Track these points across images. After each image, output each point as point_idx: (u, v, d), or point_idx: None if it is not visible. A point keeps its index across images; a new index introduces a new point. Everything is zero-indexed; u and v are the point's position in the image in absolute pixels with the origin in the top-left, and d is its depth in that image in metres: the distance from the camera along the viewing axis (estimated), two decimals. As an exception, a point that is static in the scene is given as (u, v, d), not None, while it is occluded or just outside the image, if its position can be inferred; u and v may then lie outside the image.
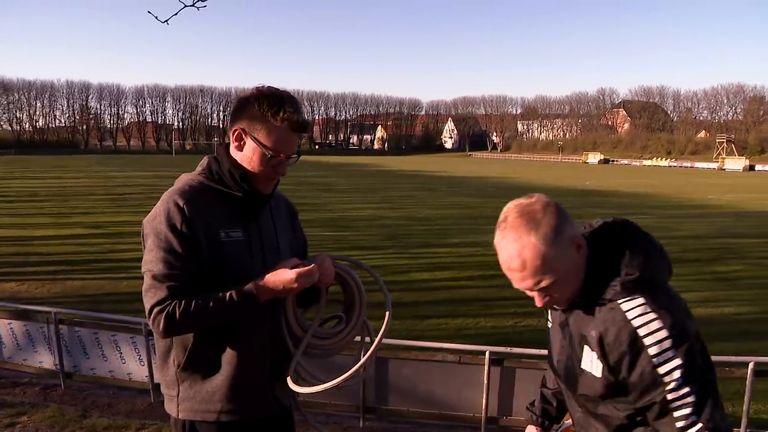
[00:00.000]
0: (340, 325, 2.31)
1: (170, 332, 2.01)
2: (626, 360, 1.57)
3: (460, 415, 5.82)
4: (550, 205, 1.62)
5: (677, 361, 1.52)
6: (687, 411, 1.52)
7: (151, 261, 2.01)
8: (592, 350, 1.66)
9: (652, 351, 1.53)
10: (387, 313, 2.25)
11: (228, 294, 2.00)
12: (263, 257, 2.18)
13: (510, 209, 1.65)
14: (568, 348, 1.77)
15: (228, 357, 2.12)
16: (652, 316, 1.55)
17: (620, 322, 1.58)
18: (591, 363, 1.68)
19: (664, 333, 1.53)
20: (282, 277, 2.04)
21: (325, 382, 2.11)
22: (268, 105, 2.07)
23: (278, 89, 2.14)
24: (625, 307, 1.59)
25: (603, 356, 1.63)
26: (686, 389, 1.52)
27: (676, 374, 1.52)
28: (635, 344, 1.55)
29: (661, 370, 1.53)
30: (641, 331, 1.55)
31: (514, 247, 1.60)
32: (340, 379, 2.09)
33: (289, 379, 2.15)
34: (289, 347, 2.21)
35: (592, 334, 1.66)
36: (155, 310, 1.98)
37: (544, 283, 1.62)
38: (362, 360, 2.15)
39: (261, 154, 2.10)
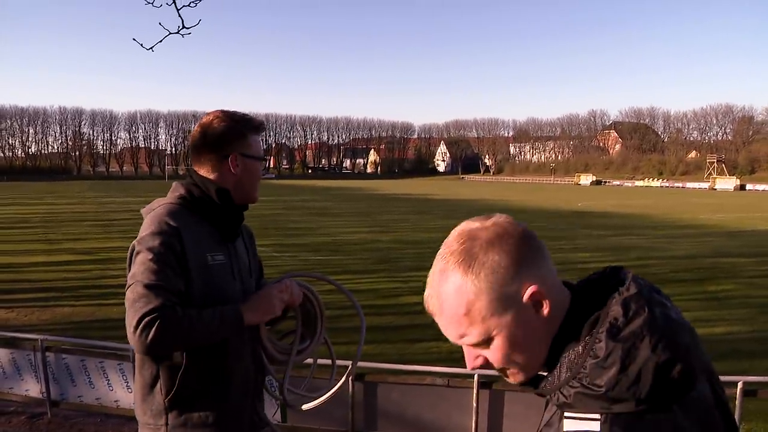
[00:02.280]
0: (304, 341, 2.42)
1: (158, 344, 1.93)
2: None
3: (450, 439, 5.78)
4: (507, 234, 1.11)
5: None
6: None
7: (143, 273, 1.99)
8: None
9: None
10: (361, 320, 2.47)
11: (217, 311, 2.04)
12: (241, 280, 2.26)
13: (454, 231, 1.16)
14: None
15: (216, 381, 2.14)
16: None
17: None
18: None
19: None
20: (264, 297, 2.17)
21: (310, 396, 2.34)
22: (245, 124, 2.26)
23: (228, 110, 2.31)
24: (568, 424, 1.05)
25: None
26: None
27: None
28: None
29: None
30: None
31: (435, 282, 1.15)
32: (331, 392, 2.31)
33: (283, 400, 2.34)
34: (270, 370, 2.32)
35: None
36: (146, 318, 1.91)
37: (467, 340, 1.14)
38: (348, 370, 2.41)
39: (258, 166, 2.30)
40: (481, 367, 1.17)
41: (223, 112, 2.25)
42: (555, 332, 1.12)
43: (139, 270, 2.00)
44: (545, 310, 1.10)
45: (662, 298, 1.09)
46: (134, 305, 1.94)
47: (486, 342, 1.12)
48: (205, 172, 2.23)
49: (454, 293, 1.11)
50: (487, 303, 1.09)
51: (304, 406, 2.34)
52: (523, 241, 1.11)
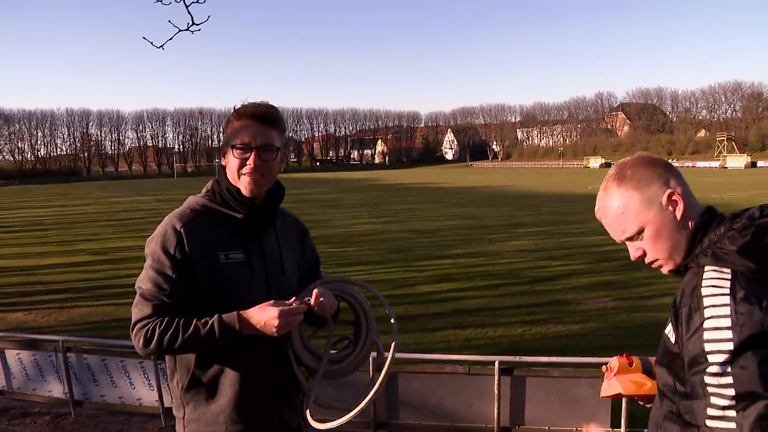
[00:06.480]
0: (349, 347, 2.30)
1: (148, 350, 2.02)
2: (684, 322, 1.42)
3: (472, 426, 5.78)
4: (648, 157, 1.60)
5: (728, 346, 1.30)
6: (724, 402, 1.30)
7: (142, 279, 2.07)
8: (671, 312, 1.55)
9: (708, 324, 1.34)
10: (393, 343, 2.24)
11: (209, 322, 2.00)
12: (266, 279, 2.17)
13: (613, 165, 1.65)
14: None
15: (230, 379, 2.11)
16: (725, 298, 1.34)
17: (694, 286, 1.42)
18: (669, 325, 1.56)
19: (727, 317, 1.32)
20: (265, 314, 2.01)
21: (340, 408, 2.09)
22: (233, 111, 2.16)
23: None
24: (706, 274, 1.42)
25: (673, 316, 1.51)
26: (728, 379, 1.29)
27: (720, 358, 1.31)
28: (695, 312, 1.38)
29: (709, 347, 1.33)
30: (706, 301, 1.37)
31: (601, 197, 1.61)
32: (357, 410, 2.07)
33: (309, 419, 2.12)
34: (297, 375, 2.19)
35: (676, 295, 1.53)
36: (137, 325, 2.02)
37: (627, 234, 1.57)
38: (373, 390, 2.13)
39: (232, 153, 2.13)
40: (641, 258, 1.59)
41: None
42: (693, 229, 1.53)
43: (141, 275, 2.08)
44: (680, 209, 1.53)
45: None
46: (132, 311, 2.05)
47: (640, 233, 1.56)
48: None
49: (615, 200, 1.58)
50: (637, 202, 1.54)
51: (324, 427, 2.06)
52: (660, 163, 1.58)
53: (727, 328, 1.31)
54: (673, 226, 1.53)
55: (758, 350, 1.28)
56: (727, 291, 1.35)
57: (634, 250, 1.59)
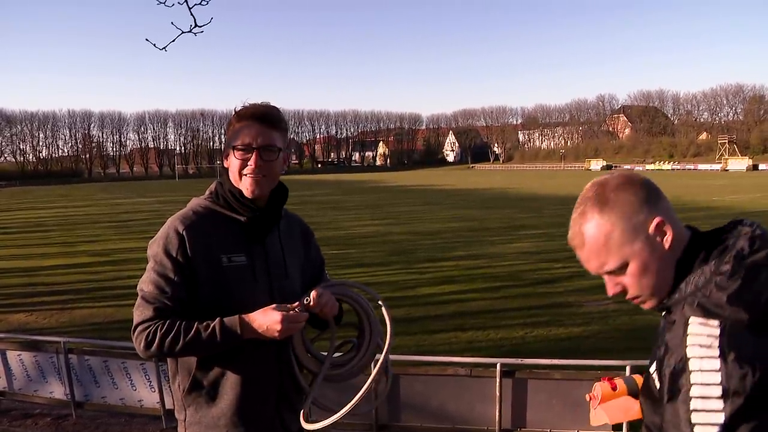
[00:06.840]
0: (352, 351, 2.28)
1: (149, 352, 2.03)
2: (667, 385, 1.29)
3: (474, 428, 5.77)
4: (631, 179, 1.39)
5: (719, 418, 1.19)
6: None
7: (144, 281, 2.06)
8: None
9: (695, 392, 1.22)
10: (387, 341, 2.20)
11: (211, 325, 1.99)
12: (269, 282, 2.16)
13: (587, 185, 1.46)
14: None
15: (231, 382, 2.10)
16: (714, 362, 1.21)
17: (679, 341, 1.29)
18: (653, 366, 1.43)
19: (717, 385, 1.19)
20: (267, 319, 2.00)
21: (334, 411, 2.04)
22: (234, 113, 2.16)
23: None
24: (692, 328, 1.27)
25: (657, 365, 1.38)
26: None
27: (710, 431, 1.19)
28: (680, 375, 1.25)
29: (696, 418, 1.21)
30: (693, 364, 1.23)
31: (577, 223, 1.41)
32: (346, 409, 2.02)
33: (302, 419, 2.10)
34: (299, 379, 2.18)
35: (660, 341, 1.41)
36: (139, 328, 2.03)
37: (608, 267, 1.38)
38: (362, 390, 2.06)
39: (234, 154, 2.13)
40: (619, 294, 1.41)
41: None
42: (678, 258, 1.36)
43: (143, 277, 2.08)
44: (668, 239, 1.36)
45: None
46: (134, 313, 2.05)
47: (622, 268, 1.37)
48: None
49: (594, 228, 1.38)
50: (621, 232, 1.36)
51: (314, 427, 2.04)
52: (645, 185, 1.39)
53: (718, 398, 1.19)
54: (660, 260, 1.36)
55: (750, 421, 1.17)
56: (717, 353, 1.21)
57: (612, 286, 1.41)
